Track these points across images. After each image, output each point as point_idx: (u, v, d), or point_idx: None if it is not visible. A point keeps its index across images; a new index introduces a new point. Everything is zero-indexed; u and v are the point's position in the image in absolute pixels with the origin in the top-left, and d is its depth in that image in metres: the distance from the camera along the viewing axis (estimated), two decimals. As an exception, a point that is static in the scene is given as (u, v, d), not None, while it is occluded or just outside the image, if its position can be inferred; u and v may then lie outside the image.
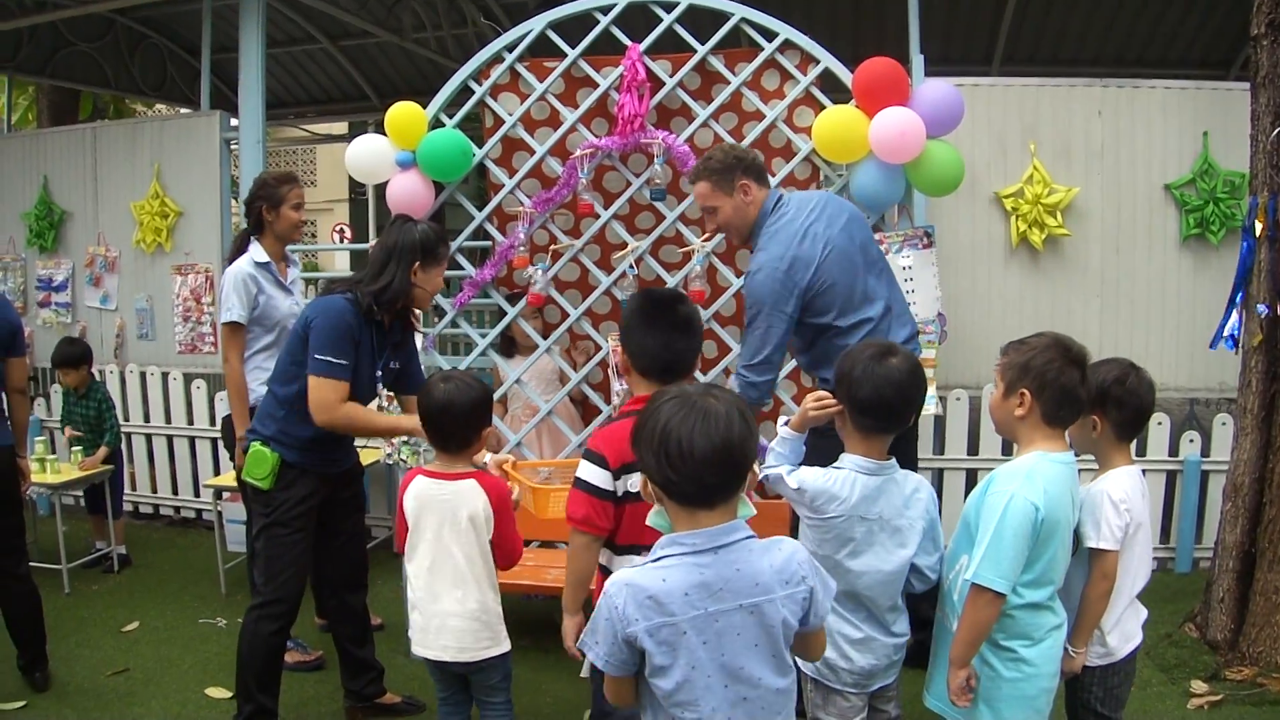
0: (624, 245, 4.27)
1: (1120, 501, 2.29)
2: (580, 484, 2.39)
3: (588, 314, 4.35)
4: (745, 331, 3.26)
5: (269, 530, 3.14)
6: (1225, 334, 3.67)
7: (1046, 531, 2.13)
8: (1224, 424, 4.78)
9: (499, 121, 4.35)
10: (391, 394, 3.65)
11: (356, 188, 16.73)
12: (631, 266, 4.15)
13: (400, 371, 3.33)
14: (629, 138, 4.07)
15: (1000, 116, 4.85)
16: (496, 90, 4.35)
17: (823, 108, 4.11)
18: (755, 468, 1.74)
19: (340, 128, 12.38)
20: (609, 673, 1.73)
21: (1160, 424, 4.84)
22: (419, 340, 4.27)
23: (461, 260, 4.55)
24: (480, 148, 4.34)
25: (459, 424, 2.66)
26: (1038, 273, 4.88)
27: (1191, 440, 4.87)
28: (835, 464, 2.30)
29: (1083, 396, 2.22)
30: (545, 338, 4.37)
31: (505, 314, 4.42)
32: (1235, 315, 3.63)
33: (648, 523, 1.83)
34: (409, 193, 4.21)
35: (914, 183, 3.94)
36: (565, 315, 4.31)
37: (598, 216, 4.21)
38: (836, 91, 4.14)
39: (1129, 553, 2.32)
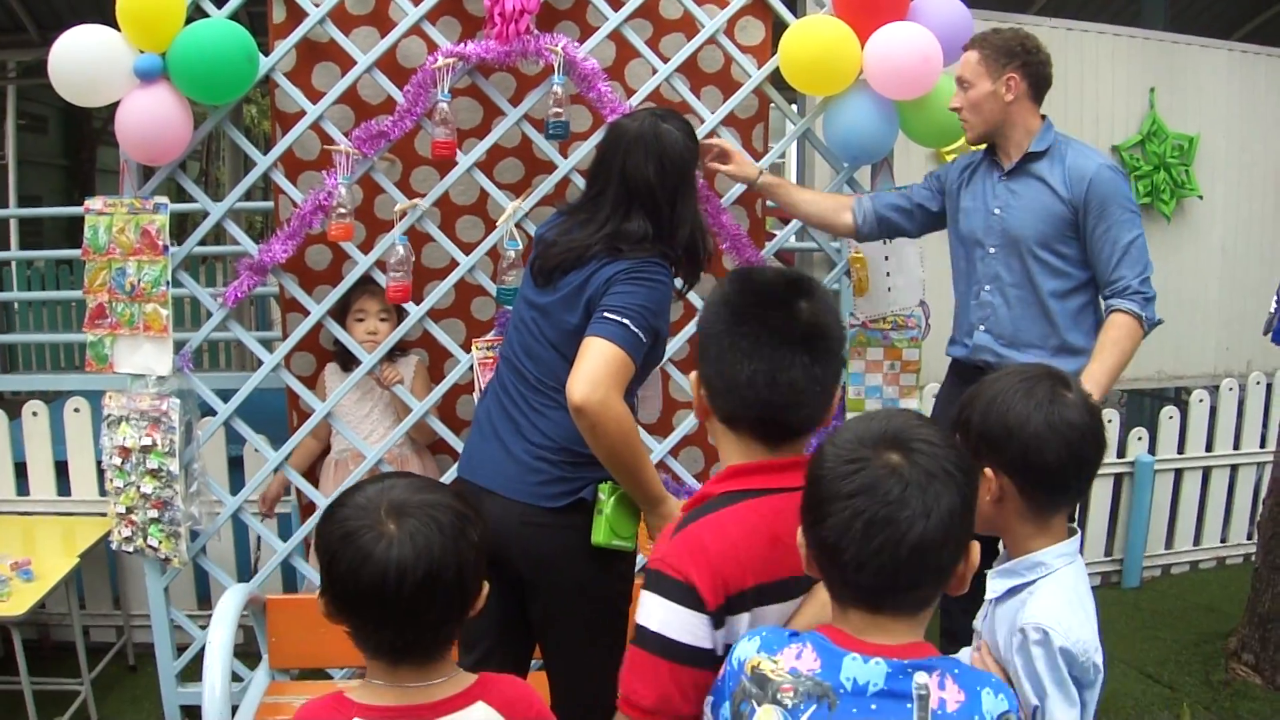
0: (479, 206, 2.97)
1: None
2: (646, 639, 1.23)
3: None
4: (1105, 238, 2.57)
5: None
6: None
7: None
8: (1171, 418, 4.30)
9: (295, 16, 2.84)
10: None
11: None
12: (513, 239, 2.81)
13: None
14: (512, 44, 2.72)
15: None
16: (293, -32, 2.84)
17: (778, 20, 2.97)
18: None
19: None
20: None
21: (1110, 421, 4.20)
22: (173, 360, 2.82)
23: (235, 231, 3.04)
24: (267, 56, 2.82)
25: (439, 608, 1.22)
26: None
27: (1140, 438, 4.25)
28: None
29: None
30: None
31: (309, 313, 2.93)
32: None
33: None
34: (154, 119, 2.61)
35: (909, 129, 2.90)
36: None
37: (456, 163, 2.84)
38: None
39: None
